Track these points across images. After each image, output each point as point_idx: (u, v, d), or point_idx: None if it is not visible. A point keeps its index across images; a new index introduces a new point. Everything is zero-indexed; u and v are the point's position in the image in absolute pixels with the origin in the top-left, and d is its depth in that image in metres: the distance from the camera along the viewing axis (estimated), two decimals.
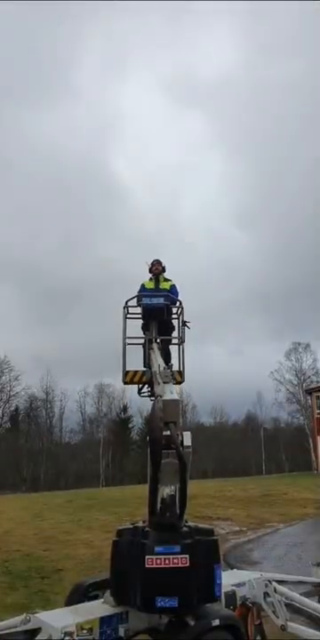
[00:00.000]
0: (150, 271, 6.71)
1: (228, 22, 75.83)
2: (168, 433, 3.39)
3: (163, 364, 4.68)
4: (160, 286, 6.50)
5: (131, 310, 6.09)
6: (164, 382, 3.97)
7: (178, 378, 5.68)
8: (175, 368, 5.81)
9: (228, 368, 66.61)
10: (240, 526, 15.27)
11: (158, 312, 6.00)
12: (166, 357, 5.79)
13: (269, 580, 4.54)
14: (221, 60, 74.91)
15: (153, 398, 5.26)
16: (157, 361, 4.85)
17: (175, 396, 3.64)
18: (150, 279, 6.67)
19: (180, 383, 5.78)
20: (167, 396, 3.58)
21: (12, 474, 46.62)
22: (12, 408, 52.69)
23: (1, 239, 66.08)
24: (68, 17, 72.41)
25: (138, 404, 53.25)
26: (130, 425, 56.20)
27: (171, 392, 3.72)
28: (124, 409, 55.82)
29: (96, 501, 18.98)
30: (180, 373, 5.83)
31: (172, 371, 5.21)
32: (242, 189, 75.76)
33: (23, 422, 54.14)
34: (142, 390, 5.91)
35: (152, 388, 5.28)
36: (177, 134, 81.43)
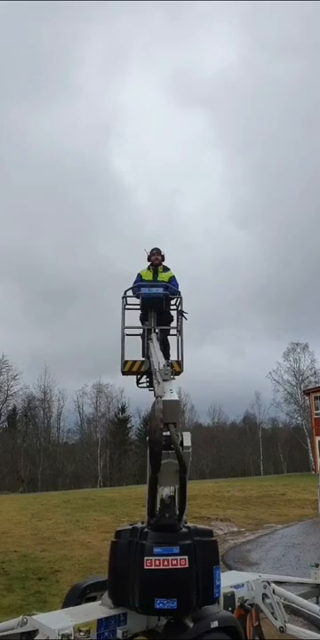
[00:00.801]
0: (149, 260, 6.59)
1: (230, 21, 75.87)
2: (168, 433, 3.36)
3: (163, 361, 4.62)
4: (158, 278, 6.39)
5: (129, 301, 6.09)
6: (164, 380, 3.93)
7: (177, 368, 5.70)
8: (174, 358, 5.89)
9: (226, 368, 66.78)
10: (238, 527, 15.24)
11: (157, 302, 5.98)
12: (164, 348, 5.78)
13: (268, 582, 4.52)
14: (223, 59, 75.10)
15: (151, 389, 5.27)
16: (157, 356, 4.80)
17: (175, 397, 3.61)
18: (148, 268, 6.54)
19: (178, 373, 5.79)
20: (167, 397, 3.54)
21: (9, 474, 46.49)
22: (10, 408, 52.52)
23: None
24: (69, 14, 72.44)
25: (136, 403, 53.28)
26: (128, 425, 56.03)
27: (171, 392, 3.69)
28: (123, 409, 55.37)
29: (94, 502, 18.92)
30: (179, 363, 5.86)
31: (171, 364, 5.25)
32: (243, 189, 75.95)
33: (20, 422, 53.94)
34: (140, 381, 5.90)
35: (150, 379, 5.26)
36: (178, 133, 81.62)
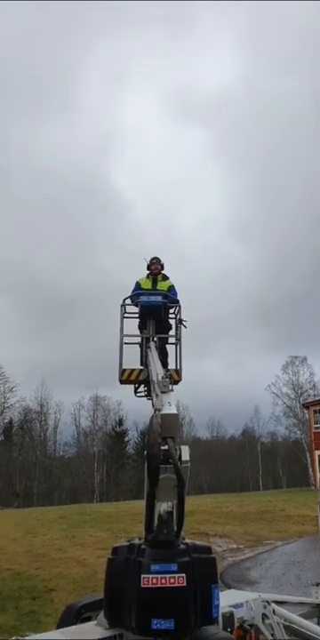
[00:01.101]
0: (148, 269, 6.59)
1: (229, 37, 77.28)
2: (166, 448, 3.29)
3: (161, 372, 4.52)
4: (158, 287, 6.38)
5: (128, 310, 6.10)
6: (163, 392, 3.85)
7: (175, 377, 5.73)
8: (173, 367, 5.90)
9: (225, 381, 66.25)
10: (237, 544, 14.98)
11: (156, 310, 6.00)
12: (163, 356, 5.76)
13: (268, 601, 4.37)
14: (223, 75, 76.33)
15: (149, 398, 5.13)
16: (155, 366, 4.74)
17: (173, 410, 3.52)
18: (147, 277, 6.54)
19: (177, 382, 5.81)
20: (165, 410, 3.47)
21: (4, 488, 45.83)
22: (6, 420, 52.01)
23: None
24: (69, 30, 73.65)
25: (134, 416, 52.76)
26: (125, 439, 55.47)
27: (169, 405, 3.60)
28: (120, 422, 54.77)
29: (90, 517, 18.61)
30: (178, 372, 5.87)
31: (169, 373, 5.21)
32: (241, 204, 76.52)
33: (17, 435, 53.33)
34: (139, 390, 5.88)
35: (149, 388, 5.24)
36: (177, 148, 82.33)
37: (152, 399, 4.29)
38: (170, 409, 3.51)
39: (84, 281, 61.50)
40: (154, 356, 5.12)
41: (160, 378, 4.21)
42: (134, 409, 44.84)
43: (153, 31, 76.53)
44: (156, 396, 3.89)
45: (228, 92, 71.08)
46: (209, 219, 78.13)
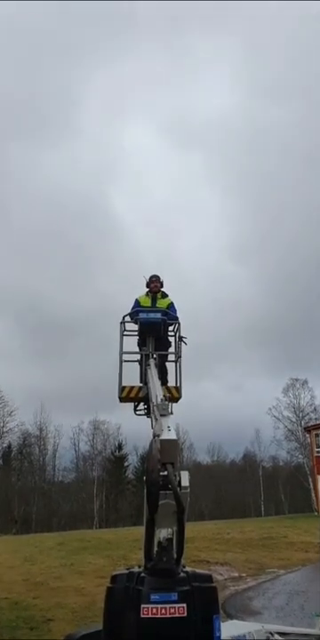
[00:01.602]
0: (148, 286, 6.66)
1: (227, 65, 79.66)
2: (165, 473, 3.31)
3: (160, 394, 4.50)
4: (157, 304, 6.43)
5: (127, 327, 6.12)
6: (162, 415, 3.80)
7: (175, 394, 5.71)
8: (172, 384, 5.91)
9: (225, 404, 65.47)
10: (239, 572, 14.65)
11: (155, 327, 6.01)
12: (162, 374, 5.77)
13: (271, 633, 4.29)
14: (221, 102, 78.22)
15: (149, 416, 5.07)
16: (155, 387, 4.67)
17: (173, 436, 3.51)
18: (147, 294, 6.60)
19: (177, 400, 5.78)
20: (165, 435, 3.48)
21: (2, 514, 44.92)
22: (5, 445, 51.34)
23: None
24: (68, 57, 75.90)
25: (133, 441, 51.88)
26: (125, 463, 54.42)
27: (169, 429, 3.55)
28: (119, 447, 53.50)
29: (89, 544, 18.23)
30: (178, 389, 5.85)
31: (168, 392, 5.39)
32: (239, 228, 77.46)
33: (15, 460, 52.59)
34: (138, 408, 5.85)
35: (148, 406, 5.21)
36: (176, 173, 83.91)
37: (151, 420, 4.18)
38: (169, 434, 3.47)
39: (83, 305, 61.63)
40: (153, 375, 5.07)
41: (159, 400, 4.17)
42: (134, 433, 44.36)
43: (153, 58, 78.78)
44: (155, 420, 3.79)
45: (226, 117, 72.76)
46: (207, 241, 78.97)
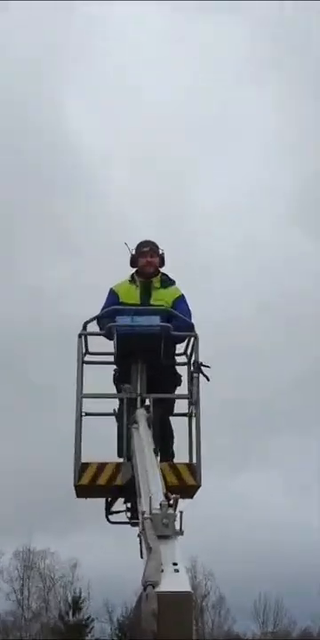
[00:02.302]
0: (133, 264, 3.82)
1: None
2: None
3: (159, 484, 2.43)
4: (153, 300, 3.66)
5: (93, 345, 3.62)
6: (161, 536, 1.98)
7: (187, 479, 3.43)
8: (182, 458, 3.60)
9: (286, 518, 31.83)
10: None
11: (148, 345, 3.45)
12: (164, 439, 3.54)
13: None
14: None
15: (135, 525, 3.05)
16: (147, 469, 2.62)
17: (185, 586, 1.85)
18: (132, 280, 3.78)
19: (192, 491, 3.51)
20: (166, 586, 1.77)
21: None
22: None
23: None
24: None
25: (105, 590, 27.66)
26: (88, 634, 26.89)
27: (175, 569, 1.87)
28: (76, 602, 26.67)
29: None
30: (192, 470, 3.48)
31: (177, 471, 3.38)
32: None
33: None
34: (112, 507, 3.57)
35: (133, 504, 3.14)
36: None
37: (140, 544, 2.20)
38: (175, 581, 1.85)
39: None
40: (145, 442, 2.94)
41: (156, 499, 2.14)
42: (106, 571, 23.71)
43: None
44: (148, 547, 1.95)
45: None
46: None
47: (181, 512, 2.00)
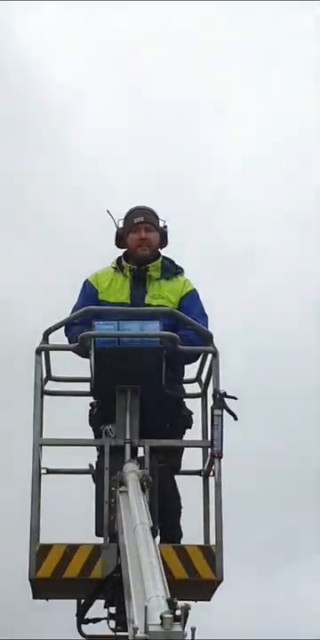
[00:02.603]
0: (121, 245, 2.65)
1: None
2: None
3: (160, 588, 1.40)
4: (148, 298, 2.55)
5: (56, 361, 2.51)
6: None
7: (203, 569, 2.28)
8: (192, 538, 2.46)
9: None
10: None
11: (141, 366, 2.34)
12: (167, 508, 2.39)
13: None
14: None
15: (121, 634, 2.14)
16: (142, 570, 1.54)
17: None
18: (116, 268, 2.64)
19: (210, 589, 2.38)
20: None
21: None
22: None
23: None
24: None
25: None
26: None
27: None
28: None
29: None
30: (209, 554, 2.32)
31: (185, 555, 2.27)
32: None
33: None
34: (88, 613, 2.39)
35: (117, 606, 2.13)
36: None
37: None
38: None
39: None
40: (136, 512, 1.85)
41: (155, 616, 1.22)
42: None
43: None
44: None
45: None
46: None
47: (193, 629, 1.30)
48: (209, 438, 2.31)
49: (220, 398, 2.28)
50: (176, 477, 2.47)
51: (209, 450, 2.31)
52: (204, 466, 2.38)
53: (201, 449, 2.40)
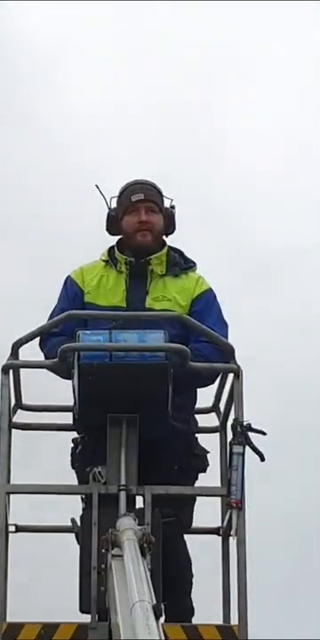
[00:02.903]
0: (114, 231, 2.05)
1: None
2: None
3: None
4: (150, 300, 1.96)
5: (29, 383, 1.94)
6: None
7: None
8: (208, 615, 1.90)
9: None
10: None
11: (140, 389, 1.71)
12: (175, 578, 1.76)
13: None
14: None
15: None
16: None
17: None
18: (107, 261, 2.02)
19: None
20: None
21: None
22: None
23: None
24: None
25: None
26: None
27: None
28: None
29: None
30: (229, 635, 1.70)
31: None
32: None
33: None
34: None
35: None
36: None
37: None
38: None
39: None
40: (134, 583, 1.18)
41: None
42: None
43: None
44: None
45: None
46: None
47: None
48: (226, 487, 1.77)
49: (242, 432, 1.75)
50: (186, 537, 1.90)
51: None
52: (222, 522, 1.83)
53: (219, 499, 1.84)
